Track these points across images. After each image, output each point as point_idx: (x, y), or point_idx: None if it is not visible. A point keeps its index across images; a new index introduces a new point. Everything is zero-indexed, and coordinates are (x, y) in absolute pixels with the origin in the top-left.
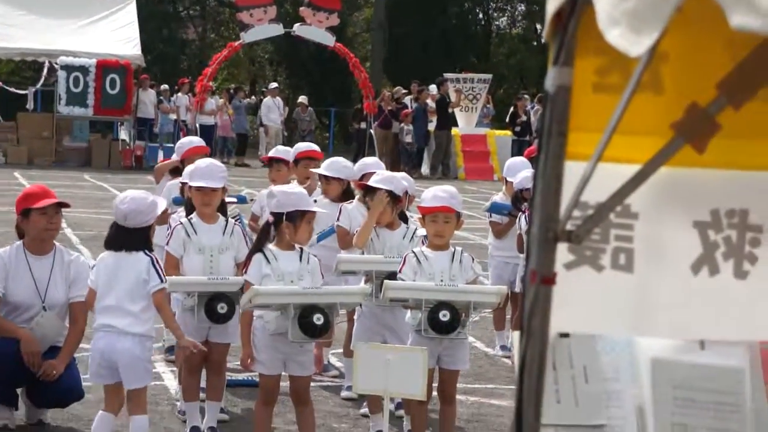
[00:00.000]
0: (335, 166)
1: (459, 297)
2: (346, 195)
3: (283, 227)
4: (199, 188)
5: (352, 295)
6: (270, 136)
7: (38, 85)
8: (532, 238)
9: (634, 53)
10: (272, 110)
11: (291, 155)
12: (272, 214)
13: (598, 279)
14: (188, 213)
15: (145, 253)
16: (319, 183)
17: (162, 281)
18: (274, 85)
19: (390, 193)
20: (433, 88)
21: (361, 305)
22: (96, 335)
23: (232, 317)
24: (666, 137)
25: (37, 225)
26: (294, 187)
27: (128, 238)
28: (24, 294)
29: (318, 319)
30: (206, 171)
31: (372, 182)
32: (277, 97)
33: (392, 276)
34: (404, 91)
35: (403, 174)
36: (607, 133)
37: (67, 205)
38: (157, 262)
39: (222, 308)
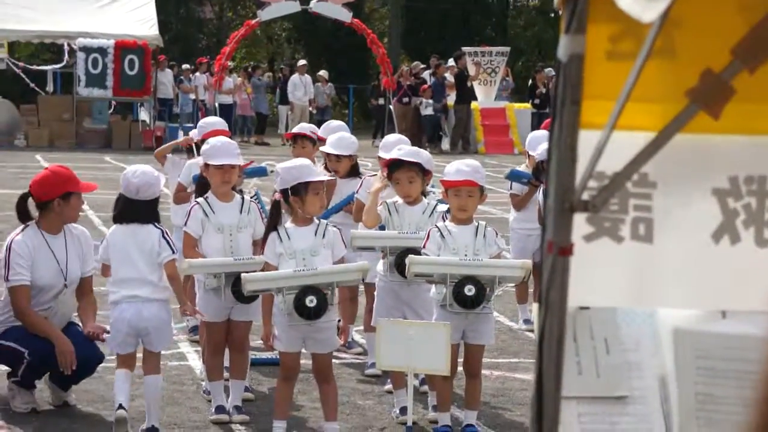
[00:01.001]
0: (344, 143)
1: (484, 271)
2: (353, 171)
3: (292, 202)
4: (219, 166)
5: (348, 273)
6: (296, 113)
7: (59, 66)
8: (548, 208)
9: (647, 19)
10: (298, 88)
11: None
12: (280, 191)
13: (618, 250)
14: (200, 193)
15: (155, 226)
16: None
17: (173, 252)
18: (302, 62)
19: (419, 166)
20: (451, 62)
21: (366, 282)
22: (119, 307)
23: (257, 297)
24: (681, 104)
25: (76, 208)
26: (296, 161)
27: (140, 210)
28: (49, 275)
29: (311, 301)
30: (224, 149)
31: (402, 156)
32: (305, 75)
33: (408, 252)
34: (422, 66)
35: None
36: (621, 100)
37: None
38: (167, 233)
39: (251, 293)
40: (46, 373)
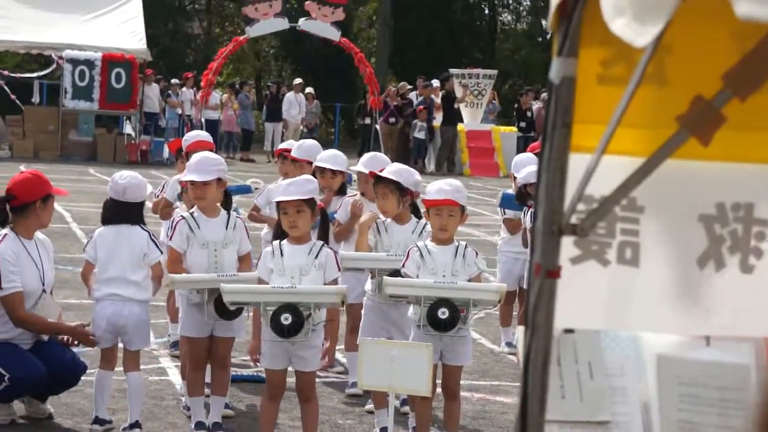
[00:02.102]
0: (339, 159)
1: (458, 294)
2: (341, 189)
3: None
4: (191, 182)
5: (327, 295)
6: (289, 131)
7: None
8: (536, 231)
9: (640, 43)
10: (293, 106)
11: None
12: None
13: (604, 273)
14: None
15: (142, 228)
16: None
17: (161, 253)
18: (298, 80)
19: (397, 184)
20: (435, 83)
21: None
22: (101, 304)
23: (240, 313)
24: (671, 130)
25: (51, 212)
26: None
27: (127, 211)
28: (31, 281)
29: (285, 319)
30: (196, 165)
31: (385, 173)
32: (300, 93)
33: (396, 273)
34: (409, 86)
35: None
36: (612, 125)
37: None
38: (154, 235)
39: (231, 305)
40: (24, 395)
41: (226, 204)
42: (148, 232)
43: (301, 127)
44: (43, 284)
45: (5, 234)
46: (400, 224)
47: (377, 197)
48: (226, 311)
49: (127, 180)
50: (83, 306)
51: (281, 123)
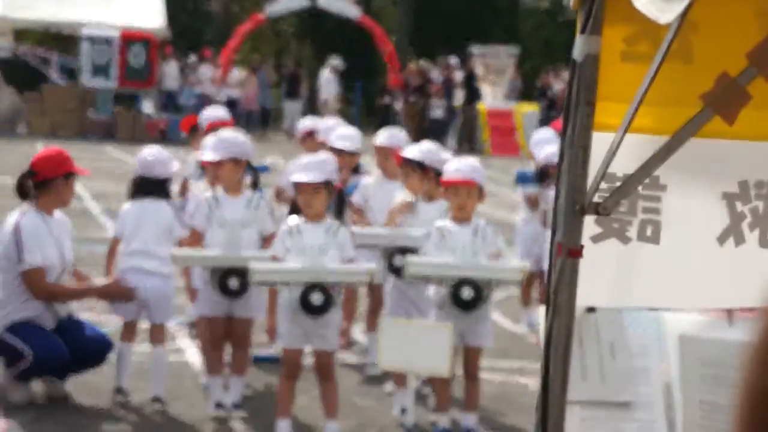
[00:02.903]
0: (356, 139)
1: (481, 273)
2: (356, 168)
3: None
4: (210, 162)
5: (356, 274)
6: (328, 109)
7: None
8: (558, 210)
9: (664, 20)
10: (330, 83)
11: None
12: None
13: (625, 251)
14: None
15: (168, 203)
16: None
17: (184, 228)
18: (337, 61)
19: (419, 164)
20: (453, 61)
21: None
22: (124, 276)
23: (245, 292)
24: (695, 108)
25: (73, 190)
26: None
27: (153, 186)
28: (52, 258)
29: (317, 298)
30: (212, 144)
31: (410, 152)
32: (333, 74)
33: (404, 251)
34: (430, 64)
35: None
36: (636, 103)
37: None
38: (179, 212)
39: (233, 284)
40: (45, 375)
41: (255, 184)
42: (174, 207)
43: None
44: (63, 262)
45: (27, 209)
46: (428, 202)
47: (402, 176)
48: (228, 290)
49: (153, 157)
50: None
51: (300, 102)
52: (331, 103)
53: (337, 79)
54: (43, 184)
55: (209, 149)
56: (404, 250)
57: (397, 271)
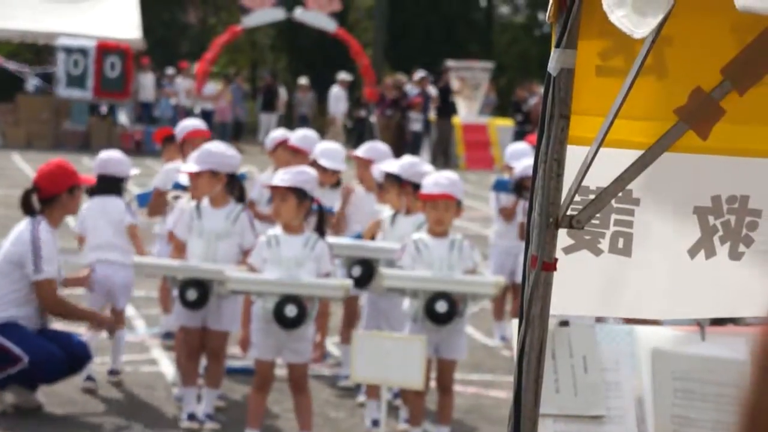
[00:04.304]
0: (338, 156)
1: (456, 287)
2: (338, 183)
3: None
4: (190, 173)
5: (331, 288)
6: (337, 126)
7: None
8: (532, 223)
9: (639, 35)
10: (340, 100)
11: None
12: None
13: (596, 262)
14: None
15: (120, 198)
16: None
17: (134, 218)
18: (344, 75)
19: (396, 177)
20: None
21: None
22: (93, 268)
23: (204, 304)
24: (669, 122)
25: (79, 201)
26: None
27: (109, 184)
28: (57, 272)
29: (291, 311)
30: (194, 156)
31: (388, 166)
32: (344, 89)
33: (365, 263)
34: (406, 79)
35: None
36: (610, 117)
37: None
38: (130, 204)
39: (192, 295)
40: (37, 381)
41: (240, 196)
42: (125, 201)
43: (344, 123)
44: (59, 275)
45: (41, 221)
46: (406, 216)
47: (379, 190)
48: (187, 301)
49: (108, 154)
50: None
51: (276, 114)
52: (338, 122)
53: (347, 95)
54: (48, 200)
55: (191, 160)
56: (363, 262)
57: (356, 281)
